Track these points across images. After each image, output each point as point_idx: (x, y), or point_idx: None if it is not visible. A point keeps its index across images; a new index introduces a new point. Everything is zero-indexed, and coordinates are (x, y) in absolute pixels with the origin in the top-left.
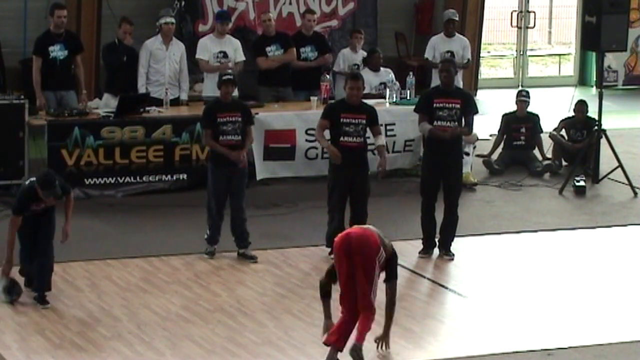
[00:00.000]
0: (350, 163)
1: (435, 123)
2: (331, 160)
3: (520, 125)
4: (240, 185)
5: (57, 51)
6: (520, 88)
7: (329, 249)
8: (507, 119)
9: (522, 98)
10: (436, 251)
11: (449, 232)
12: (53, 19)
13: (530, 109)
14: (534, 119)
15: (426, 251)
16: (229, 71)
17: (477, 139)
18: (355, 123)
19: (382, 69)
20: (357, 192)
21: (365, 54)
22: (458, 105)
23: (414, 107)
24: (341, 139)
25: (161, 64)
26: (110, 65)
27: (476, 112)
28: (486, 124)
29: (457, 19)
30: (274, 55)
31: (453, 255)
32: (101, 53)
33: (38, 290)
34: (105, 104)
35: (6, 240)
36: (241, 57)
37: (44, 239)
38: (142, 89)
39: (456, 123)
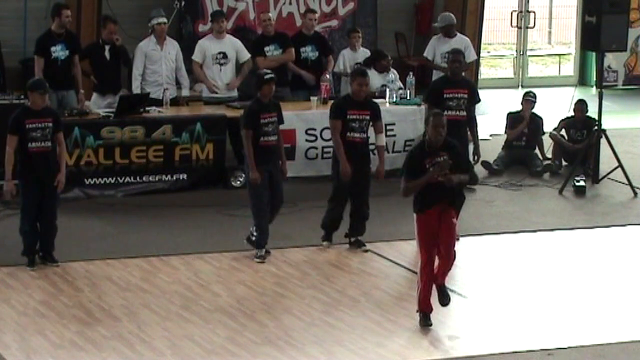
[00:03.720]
0: (355, 157)
1: (445, 113)
2: (336, 157)
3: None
4: (280, 181)
5: (58, 51)
6: (520, 88)
7: (323, 235)
8: (512, 118)
9: (529, 98)
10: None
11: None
12: (61, 18)
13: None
14: (537, 120)
15: None
16: (268, 70)
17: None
18: (360, 119)
19: None
20: (359, 185)
21: (367, 51)
22: (466, 95)
23: (414, 105)
24: (348, 134)
25: (157, 64)
26: (94, 64)
27: (478, 100)
28: (486, 124)
29: (440, 25)
30: (273, 55)
31: (458, 236)
32: (82, 53)
33: (46, 251)
34: (95, 104)
35: (6, 161)
36: (245, 55)
37: (48, 206)
38: (136, 91)
39: (464, 112)
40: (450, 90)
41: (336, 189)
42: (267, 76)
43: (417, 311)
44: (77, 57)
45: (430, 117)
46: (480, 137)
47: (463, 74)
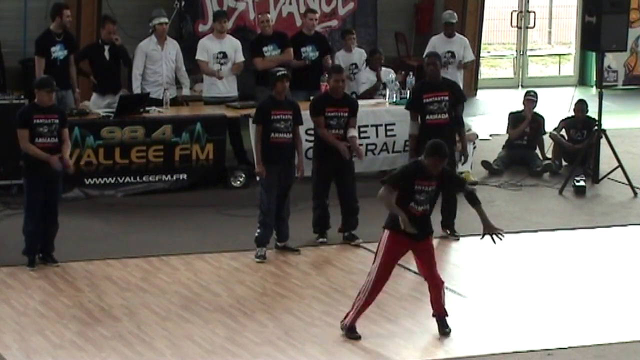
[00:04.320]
0: (335, 154)
1: (427, 117)
2: (316, 151)
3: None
4: (289, 182)
5: (57, 51)
6: (520, 88)
7: (316, 235)
8: (514, 117)
9: (530, 98)
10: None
11: (450, 211)
12: (62, 18)
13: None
14: (539, 119)
15: None
16: (282, 68)
17: (477, 137)
18: (338, 116)
19: (383, 68)
20: (344, 182)
21: (362, 51)
22: (447, 97)
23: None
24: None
25: (158, 64)
26: (93, 65)
27: (464, 100)
28: (486, 124)
29: (454, 21)
30: (271, 55)
31: (458, 235)
32: (79, 54)
33: (47, 252)
34: (94, 104)
35: (30, 152)
36: (241, 57)
37: (52, 204)
38: (136, 91)
39: (447, 115)
40: (429, 94)
41: (315, 185)
42: (279, 73)
43: (342, 322)
44: (72, 57)
45: (434, 150)
46: (480, 137)
47: (462, 79)
